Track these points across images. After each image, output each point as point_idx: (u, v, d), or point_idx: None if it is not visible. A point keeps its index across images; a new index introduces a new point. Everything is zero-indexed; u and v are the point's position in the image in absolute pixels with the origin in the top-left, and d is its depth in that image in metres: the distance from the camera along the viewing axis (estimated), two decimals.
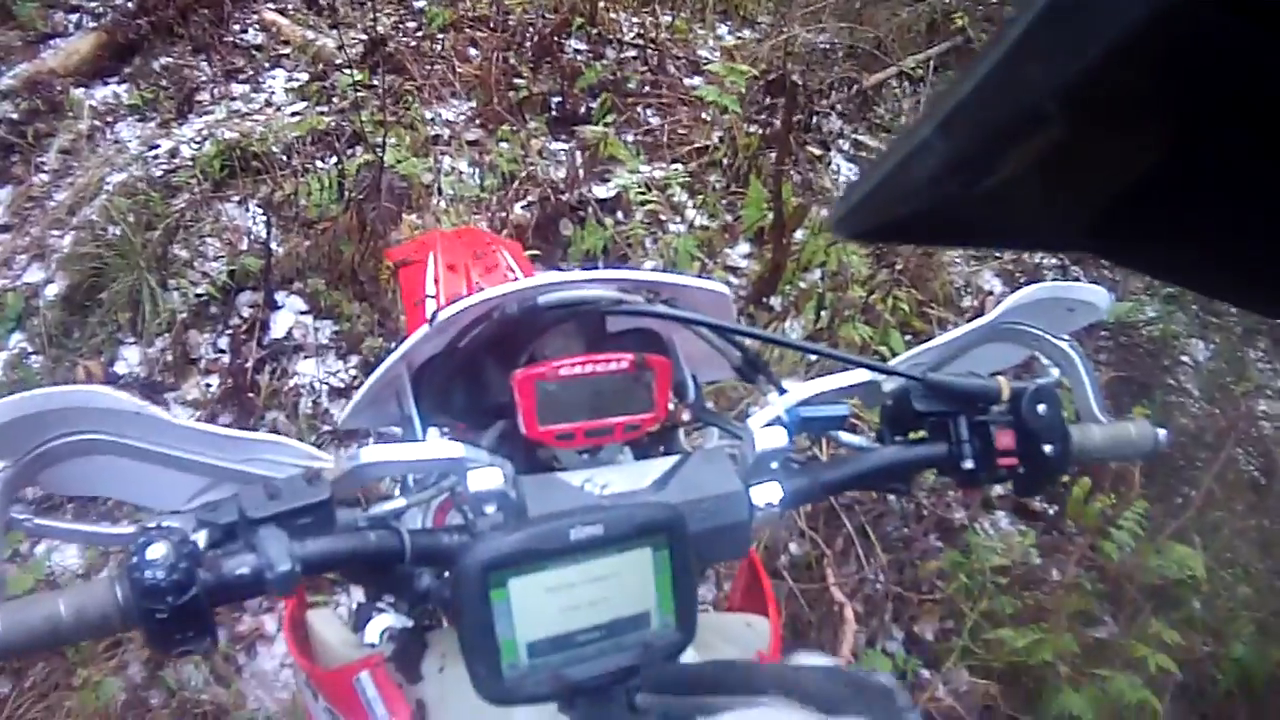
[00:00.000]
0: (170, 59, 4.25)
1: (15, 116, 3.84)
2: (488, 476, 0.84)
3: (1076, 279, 3.67)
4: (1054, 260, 3.89)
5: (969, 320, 1.12)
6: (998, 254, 3.92)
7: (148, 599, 0.67)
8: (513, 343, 0.97)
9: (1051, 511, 2.91)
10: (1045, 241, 0.40)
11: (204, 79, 4.16)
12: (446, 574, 0.85)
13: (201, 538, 0.75)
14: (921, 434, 1.04)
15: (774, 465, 0.95)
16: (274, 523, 0.76)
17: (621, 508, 0.80)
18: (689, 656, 0.83)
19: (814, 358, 2.73)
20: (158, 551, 0.67)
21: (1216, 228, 0.31)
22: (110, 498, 0.82)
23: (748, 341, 1.03)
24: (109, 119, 3.93)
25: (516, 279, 1.66)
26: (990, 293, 3.63)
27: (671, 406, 1.00)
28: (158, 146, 3.78)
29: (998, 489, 2.82)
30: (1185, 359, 3.68)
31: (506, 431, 0.95)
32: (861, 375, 1.02)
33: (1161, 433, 1.10)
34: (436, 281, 1.63)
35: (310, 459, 0.88)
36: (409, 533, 0.80)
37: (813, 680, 0.60)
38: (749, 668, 0.73)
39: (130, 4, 4.42)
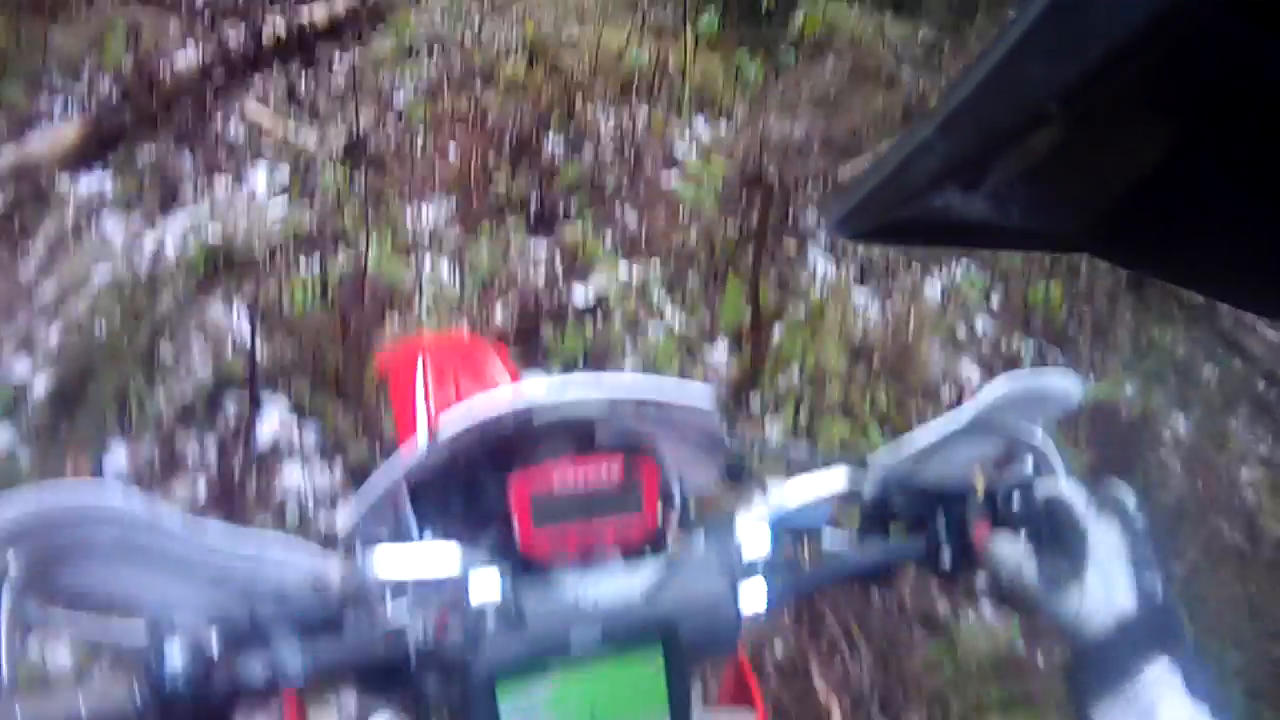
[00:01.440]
0: (154, 150, 4.26)
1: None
2: (487, 583, 0.86)
3: (1055, 362, 3.72)
4: (1030, 353, 3.94)
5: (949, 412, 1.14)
6: (973, 341, 3.98)
7: (166, 700, 0.70)
8: (506, 450, 1.00)
9: None
10: (1045, 241, 0.41)
11: (187, 171, 4.18)
12: (453, 678, 0.88)
13: (215, 640, 0.78)
14: (901, 530, 1.07)
15: (760, 565, 0.98)
16: (287, 628, 0.79)
17: (618, 612, 0.84)
18: None
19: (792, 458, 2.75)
20: (174, 654, 0.71)
21: (1216, 228, 0.32)
22: (117, 595, 0.84)
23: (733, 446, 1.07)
24: (94, 209, 3.94)
25: (504, 385, 1.69)
26: (969, 380, 3.67)
27: (659, 510, 1.03)
28: (142, 241, 3.80)
29: (980, 581, 2.85)
30: (1166, 433, 3.72)
31: (502, 537, 0.99)
32: (842, 475, 1.06)
33: (1139, 516, 1.13)
34: (426, 388, 1.66)
35: (319, 557, 0.91)
36: (413, 640, 0.83)
37: None
38: None
39: (115, 92, 4.45)
